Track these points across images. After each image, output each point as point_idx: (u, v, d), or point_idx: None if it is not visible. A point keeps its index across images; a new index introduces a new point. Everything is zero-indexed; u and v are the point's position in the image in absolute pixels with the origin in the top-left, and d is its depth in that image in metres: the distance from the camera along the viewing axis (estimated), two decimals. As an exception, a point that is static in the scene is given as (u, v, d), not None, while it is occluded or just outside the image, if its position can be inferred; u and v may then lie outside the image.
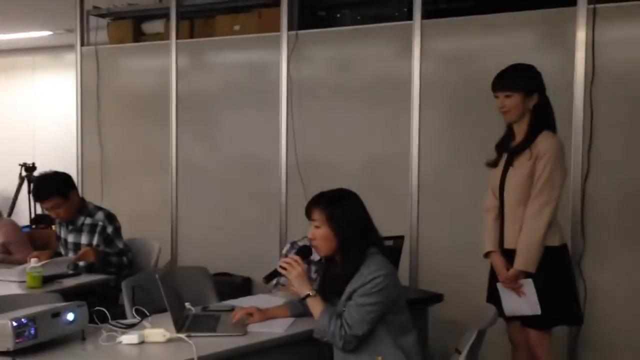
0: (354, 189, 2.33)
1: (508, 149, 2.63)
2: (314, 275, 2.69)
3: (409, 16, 3.65)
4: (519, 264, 2.52)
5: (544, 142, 2.53)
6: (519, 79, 2.59)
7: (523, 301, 2.53)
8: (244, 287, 4.07)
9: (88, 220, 3.31)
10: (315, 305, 2.21)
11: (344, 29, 3.92)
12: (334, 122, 3.91)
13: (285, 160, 4.05)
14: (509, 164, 2.60)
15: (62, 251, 3.40)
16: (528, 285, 2.51)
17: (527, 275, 2.52)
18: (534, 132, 2.56)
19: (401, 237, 2.75)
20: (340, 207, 2.25)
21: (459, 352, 2.13)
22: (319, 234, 2.24)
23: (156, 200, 4.52)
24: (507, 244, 2.59)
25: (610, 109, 3.13)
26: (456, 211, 3.49)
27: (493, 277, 2.66)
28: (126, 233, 3.44)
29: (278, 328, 2.31)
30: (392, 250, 2.60)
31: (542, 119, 2.58)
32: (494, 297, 2.63)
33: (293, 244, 2.95)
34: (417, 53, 3.60)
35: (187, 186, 4.44)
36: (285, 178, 4.05)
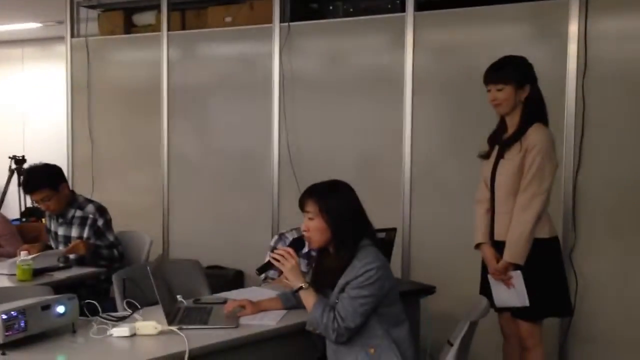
0: (346, 181, 2.32)
1: (500, 141, 2.63)
2: (304, 269, 2.68)
3: (402, 8, 3.64)
4: (508, 255, 2.52)
5: (534, 135, 2.53)
6: (511, 71, 2.59)
7: (512, 293, 2.54)
8: (236, 279, 4.06)
9: (78, 213, 3.29)
10: (308, 298, 2.20)
11: (337, 21, 3.90)
12: (326, 114, 3.90)
13: (277, 153, 4.03)
14: (500, 156, 2.61)
15: (53, 244, 3.38)
16: (517, 277, 2.52)
17: (516, 267, 2.52)
18: (525, 124, 2.56)
19: (393, 229, 2.75)
20: (333, 199, 2.24)
21: (451, 344, 2.13)
22: (312, 226, 2.23)
23: (148, 193, 4.50)
24: (497, 236, 2.60)
25: (603, 101, 3.14)
26: (449, 203, 3.50)
27: (485, 269, 2.66)
28: (117, 226, 3.42)
29: (270, 320, 2.30)
30: (385, 242, 2.60)
31: (534, 111, 2.58)
32: (486, 288, 2.64)
33: (281, 235, 2.94)
34: (409, 45, 3.59)
35: (179, 179, 4.42)
36: (277, 170, 4.04)
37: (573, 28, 3.17)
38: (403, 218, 3.62)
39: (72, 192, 3.41)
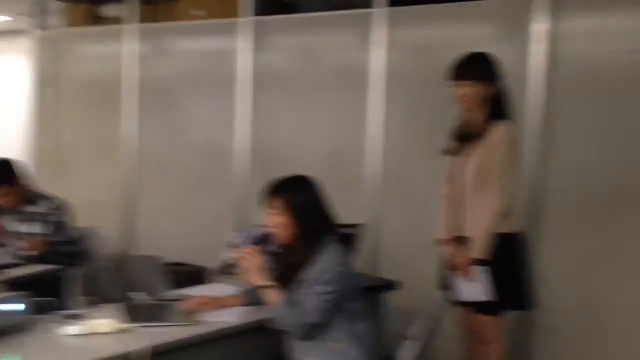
0: (315, 176, 2.29)
1: (465, 138, 2.63)
2: (267, 266, 2.65)
3: (373, 4, 3.62)
4: (474, 251, 2.53)
5: (499, 131, 2.53)
6: (477, 68, 2.59)
7: (476, 288, 2.54)
8: (200, 276, 3.99)
9: (38, 209, 3.21)
10: (273, 294, 2.18)
11: (307, 15, 3.89)
12: (296, 110, 3.88)
13: (244, 149, 3.99)
14: (464, 152, 2.60)
15: (11, 241, 3.28)
16: (482, 272, 2.52)
17: (481, 262, 2.52)
18: (491, 121, 2.56)
19: (360, 225, 2.74)
20: (300, 194, 2.23)
21: (409, 339, 2.12)
22: (278, 221, 2.21)
23: (113, 188, 4.42)
24: (462, 232, 2.60)
25: (569, 99, 3.16)
26: (418, 200, 3.49)
27: (445, 265, 2.66)
28: (81, 222, 3.34)
29: (232, 317, 2.28)
30: (351, 237, 2.58)
31: (499, 107, 2.59)
32: (446, 284, 2.63)
33: (243, 232, 2.89)
34: (380, 41, 3.58)
35: (145, 174, 4.35)
36: (244, 166, 3.99)
37: (542, 26, 3.18)
38: (372, 214, 3.61)
39: (32, 187, 3.31)
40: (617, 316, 3.01)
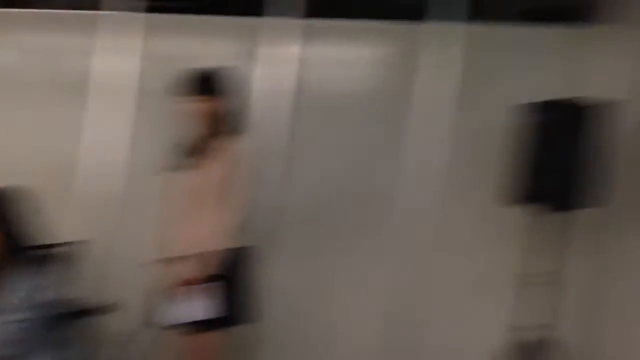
0: (36, 191, 2.05)
1: (196, 153, 2.62)
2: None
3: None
4: (199, 268, 2.50)
5: (232, 147, 2.57)
6: (211, 83, 2.63)
7: (204, 305, 2.52)
8: None
9: None
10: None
11: (39, 11, 3.55)
12: (22, 117, 3.49)
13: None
14: (194, 168, 2.60)
15: None
16: (209, 289, 2.51)
17: (212, 278, 2.51)
18: (221, 136, 2.59)
19: (79, 243, 2.52)
20: (5, 208, 1.97)
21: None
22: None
23: None
24: (191, 248, 2.55)
25: (309, 118, 3.34)
26: (150, 217, 3.37)
27: (161, 286, 2.59)
28: None
29: None
30: (65, 257, 2.36)
31: (231, 123, 2.64)
32: (158, 306, 2.57)
33: None
34: (110, 47, 3.42)
35: None
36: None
37: (289, 49, 3.33)
38: (100, 231, 3.37)
39: None
40: (331, 326, 3.25)
